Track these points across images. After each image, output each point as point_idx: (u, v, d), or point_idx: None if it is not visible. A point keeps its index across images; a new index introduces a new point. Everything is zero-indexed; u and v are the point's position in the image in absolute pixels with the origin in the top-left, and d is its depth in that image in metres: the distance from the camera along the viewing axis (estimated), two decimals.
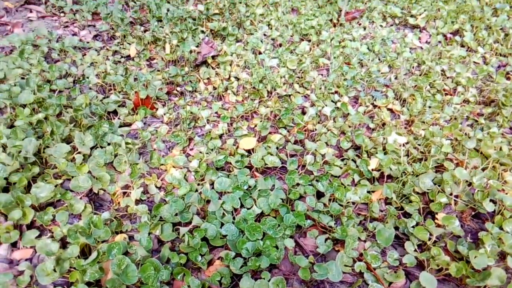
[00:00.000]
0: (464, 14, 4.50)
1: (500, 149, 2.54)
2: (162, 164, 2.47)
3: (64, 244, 1.98)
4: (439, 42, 4.03)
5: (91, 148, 2.50)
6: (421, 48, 4.00)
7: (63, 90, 3.03)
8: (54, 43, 3.64)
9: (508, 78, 3.48)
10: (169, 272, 1.81)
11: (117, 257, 1.75)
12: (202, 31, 3.95)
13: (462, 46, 4.01)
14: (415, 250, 1.92)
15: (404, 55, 3.65)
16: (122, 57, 3.64)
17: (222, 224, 2.03)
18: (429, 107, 2.98)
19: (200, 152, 2.54)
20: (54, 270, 1.79)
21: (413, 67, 3.58)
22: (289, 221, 1.98)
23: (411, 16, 4.56)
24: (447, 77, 3.42)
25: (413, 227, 1.99)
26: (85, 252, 1.95)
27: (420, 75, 3.44)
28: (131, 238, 2.05)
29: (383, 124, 2.85)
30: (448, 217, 1.95)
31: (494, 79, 3.42)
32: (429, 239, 1.96)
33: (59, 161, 2.32)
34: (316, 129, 2.73)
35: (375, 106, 3.07)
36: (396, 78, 3.39)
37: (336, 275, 1.75)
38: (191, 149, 2.67)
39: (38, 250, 1.86)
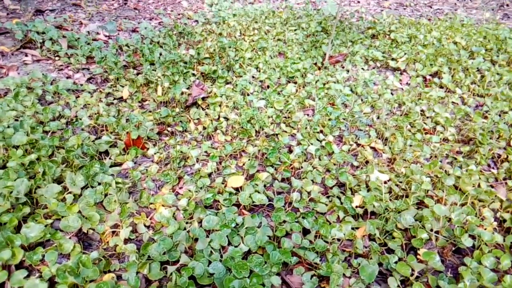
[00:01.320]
0: (442, 57, 4.76)
1: (479, 185, 2.65)
2: (151, 203, 2.53)
3: (52, 284, 1.99)
4: (418, 84, 4.24)
5: (82, 188, 2.55)
6: (402, 89, 4.20)
7: (56, 132, 3.11)
8: (48, 85, 3.76)
9: (485, 118, 3.66)
10: None
11: None
12: (193, 74, 4.12)
13: (441, 87, 4.23)
14: (398, 286, 1.96)
15: (385, 96, 3.84)
16: (115, 99, 3.76)
17: (210, 262, 2.06)
18: (410, 145, 3.11)
19: (189, 191, 2.60)
20: None
21: (394, 107, 3.75)
22: (276, 259, 2.02)
23: (392, 59, 4.81)
24: (427, 117, 3.58)
25: (395, 262, 2.04)
26: None
27: (400, 115, 3.60)
28: (119, 277, 2.07)
29: (366, 162, 2.96)
30: (429, 252, 2.02)
31: (472, 118, 3.59)
32: (411, 274, 2.01)
33: (50, 201, 2.36)
34: (302, 167, 2.82)
35: (358, 145, 3.19)
36: (378, 118, 3.55)
37: None
38: (180, 188, 2.73)
39: None
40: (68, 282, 1.89)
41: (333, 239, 2.22)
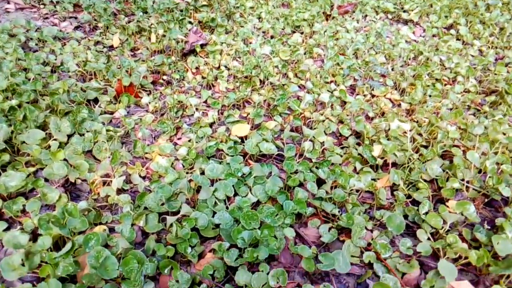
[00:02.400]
0: (458, 9, 4.43)
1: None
2: (146, 153, 2.26)
3: (35, 237, 1.74)
4: (434, 35, 3.93)
5: (69, 137, 2.27)
6: (416, 41, 3.89)
7: (40, 77, 2.79)
8: (32, 32, 3.42)
9: (508, 71, 3.38)
10: (154, 265, 1.58)
11: (95, 249, 1.53)
12: (190, 22, 3.76)
13: (458, 39, 3.92)
14: (428, 239, 1.74)
15: (400, 46, 3.53)
16: (104, 47, 3.42)
17: (214, 214, 1.82)
18: (430, 95, 2.85)
19: (189, 141, 2.34)
20: (23, 265, 1.56)
21: (409, 58, 3.46)
22: (289, 208, 1.78)
23: (404, 11, 4.47)
24: (445, 68, 3.30)
25: (425, 213, 1.82)
26: (59, 245, 1.71)
27: (418, 65, 3.31)
28: (111, 230, 1.82)
29: (382, 114, 2.70)
30: (462, 202, 1.79)
31: (493, 70, 3.32)
32: (442, 227, 1.79)
33: (32, 148, 2.09)
34: (313, 117, 2.55)
35: (373, 96, 2.92)
36: (393, 69, 3.26)
37: (343, 266, 1.56)
38: (179, 138, 2.46)
39: (5, 243, 1.62)
40: (53, 234, 1.64)
41: (352, 189, 1.98)
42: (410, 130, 2.30)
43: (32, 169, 2.05)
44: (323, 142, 2.33)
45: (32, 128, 2.21)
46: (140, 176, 2.12)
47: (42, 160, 2.05)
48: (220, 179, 1.98)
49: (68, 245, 1.54)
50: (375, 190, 1.96)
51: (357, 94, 2.91)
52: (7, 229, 1.79)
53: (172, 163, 2.17)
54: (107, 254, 1.52)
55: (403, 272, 1.61)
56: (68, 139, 2.25)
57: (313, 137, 2.33)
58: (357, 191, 2.02)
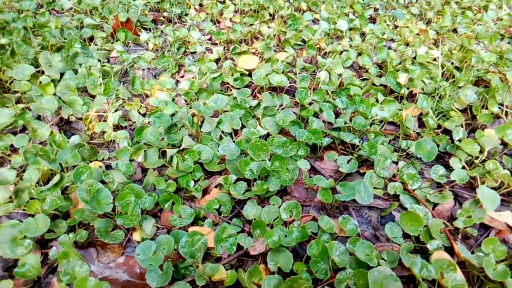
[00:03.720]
0: None
1: None
2: (145, 90, 2.06)
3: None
4: None
5: (61, 75, 2.09)
6: None
7: (31, 14, 2.57)
8: None
9: None
10: (153, 199, 1.42)
11: (86, 182, 1.37)
12: None
13: None
14: (463, 168, 1.53)
15: None
16: None
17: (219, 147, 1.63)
18: (459, 23, 2.54)
19: (192, 77, 2.13)
20: (10, 199, 1.42)
21: None
22: (304, 137, 1.58)
23: None
24: None
25: (459, 140, 1.59)
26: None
27: None
28: (108, 167, 1.66)
29: (407, 44, 2.42)
30: (503, 126, 1.55)
31: None
32: (477, 157, 1.57)
33: (21, 84, 1.91)
34: (329, 49, 2.30)
35: (396, 27, 2.62)
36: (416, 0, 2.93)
37: (365, 197, 1.37)
38: (181, 77, 2.25)
39: None
40: (41, 168, 1.48)
41: (374, 119, 1.76)
42: (442, 54, 2.03)
43: (21, 105, 1.88)
44: (341, 74, 2.09)
45: (20, 63, 2.03)
46: (139, 113, 1.93)
47: (34, 97, 1.88)
48: (225, 111, 1.78)
49: (56, 178, 1.38)
50: (401, 120, 1.73)
51: (379, 25, 2.62)
52: None
53: (173, 99, 1.97)
54: (100, 187, 1.36)
55: (434, 203, 1.42)
56: (60, 77, 2.07)
57: (330, 68, 2.09)
58: (380, 122, 1.80)
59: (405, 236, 1.31)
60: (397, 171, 1.54)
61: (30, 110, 1.89)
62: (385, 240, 1.37)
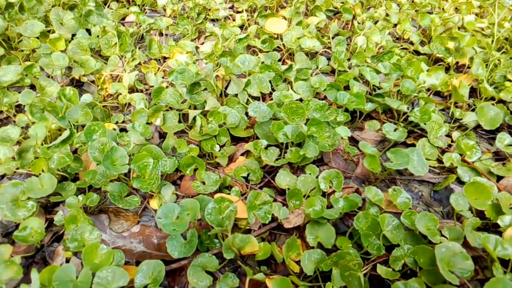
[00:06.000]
0: None
1: None
2: (164, 53, 1.88)
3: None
4: None
5: (73, 36, 1.92)
6: None
7: None
8: None
9: None
10: (174, 162, 1.24)
11: (99, 140, 1.19)
12: None
13: None
14: None
15: None
16: None
17: (247, 114, 1.45)
18: None
19: (215, 41, 1.94)
20: (13, 159, 1.25)
21: None
22: (345, 100, 1.39)
23: None
24: None
25: None
26: None
27: None
28: (122, 130, 1.49)
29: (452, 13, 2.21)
30: None
31: None
32: None
33: (30, 41, 1.75)
34: (365, 16, 2.10)
35: None
36: None
37: (419, 167, 1.18)
38: (202, 43, 2.07)
39: None
40: (49, 124, 1.32)
41: (421, 87, 1.56)
42: (496, 21, 1.81)
43: (29, 63, 1.71)
44: (378, 42, 1.90)
45: (29, 19, 1.86)
46: (156, 76, 1.76)
47: (42, 55, 1.72)
48: (254, 73, 1.59)
49: (65, 133, 1.21)
50: (454, 87, 1.52)
51: None
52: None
53: (194, 62, 1.79)
54: (114, 145, 1.19)
55: (498, 175, 1.22)
56: (72, 39, 1.90)
57: (367, 35, 1.89)
58: (427, 90, 1.60)
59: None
60: (451, 141, 1.34)
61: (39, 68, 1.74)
62: (440, 218, 1.18)
